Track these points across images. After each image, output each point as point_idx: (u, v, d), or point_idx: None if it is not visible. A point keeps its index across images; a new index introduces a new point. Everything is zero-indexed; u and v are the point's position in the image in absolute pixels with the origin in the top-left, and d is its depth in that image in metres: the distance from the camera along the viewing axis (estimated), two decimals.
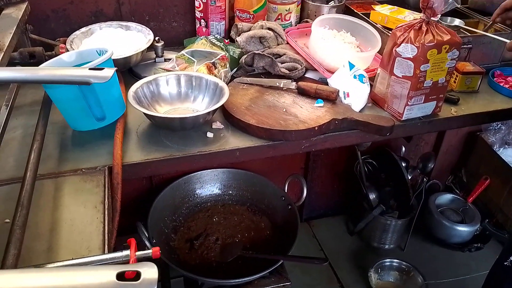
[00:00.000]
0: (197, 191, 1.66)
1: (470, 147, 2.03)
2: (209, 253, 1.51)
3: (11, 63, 1.02)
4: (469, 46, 1.26)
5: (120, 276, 0.42)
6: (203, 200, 1.67)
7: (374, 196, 1.76)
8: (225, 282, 1.38)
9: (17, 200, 0.67)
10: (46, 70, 0.64)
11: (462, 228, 1.88)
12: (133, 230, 1.33)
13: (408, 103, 1.05)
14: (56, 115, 0.98)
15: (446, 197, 2.02)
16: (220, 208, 1.67)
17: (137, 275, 0.43)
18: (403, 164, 1.78)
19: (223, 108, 1.06)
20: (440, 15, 1.00)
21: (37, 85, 1.08)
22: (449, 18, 1.38)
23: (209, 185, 1.68)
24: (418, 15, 1.25)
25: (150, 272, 0.43)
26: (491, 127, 1.95)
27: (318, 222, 2.05)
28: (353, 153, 1.80)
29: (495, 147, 1.93)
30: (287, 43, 1.28)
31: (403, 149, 1.91)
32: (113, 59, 0.95)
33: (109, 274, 0.42)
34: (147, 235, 1.36)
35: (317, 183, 1.94)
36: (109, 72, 0.60)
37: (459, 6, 1.00)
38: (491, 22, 1.26)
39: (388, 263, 1.76)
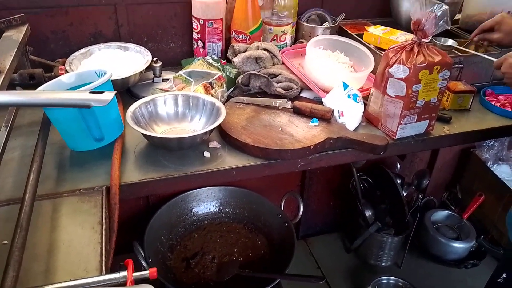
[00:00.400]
0: (193, 209, 1.67)
1: (464, 163, 2.05)
2: (206, 272, 1.51)
3: (11, 84, 1.04)
4: (460, 65, 1.30)
5: None
6: (199, 218, 1.67)
7: (370, 213, 1.77)
8: None
9: (16, 221, 0.68)
10: (47, 94, 0.65)
11: (458, 245, 1.88)
12: (130, 249, 1.33)
13: (401, 122, 1.07)
14: (54, 135, 0.99)
15: (442, 214, 2.03)
16: (217, 226, 1.67)
17: None
18: (398, 181, 1.80)
19: (220, 128, 1.07)
20: (431, 37, 1.03)
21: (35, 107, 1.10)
22: (442, 38, 1.41)
23: (205, 203, 1.68)
24: (410, 36, 1.29)
25: None
26: (484, 144, 1.98)
27: (315, 239, 2.05)
28: (348, 170, 1.82)
29: (488, 164, 1.96)
30: (283, 63, 1.31)
31: (398, 166, 1.93)
32: (111, 80, 0.96)
33: None
34: (143, 255, 1.36)
35: (313, 200, 1.95)
36: (109, 95, 0.62)
37: (449, 28, 1.03)
38: (469, 41, 1.31)
39: (385, 281, 1.76)
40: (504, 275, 0.99)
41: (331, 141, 1.05)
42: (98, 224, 0.81)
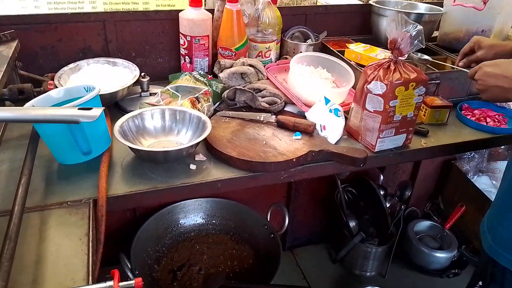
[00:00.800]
0: (180, 221, 1.69)
1: (445, 175, 2.11)
2: (192, 283, 1.52)
3: (1, 99, 1.06)
4: (437, 81, 1.35)
5: None
6: (186, 230, 1.69)
7: (354, 224, 1.81)
8: None
9: (5, 233, 0.70)
10: (37, 110, 0.68)
11: (440, 255, 1.93)
12: (116, 261, 1.34)
13: (380, 135, 1.11)
14: (42, 148, 1.01)
15: (424, 224, 2.08)
16: (204, 238, 1.69)
17: None
18: (381, 192, 1.84)
19: (205, 141, 1.10)
20: (406, 55, 1.08)
21: None
22: (419, 53, 1.47)
23: (192, 214, 1.70)
24: (389, 53, 1.34)
25: None
26: (465, 156, 2.04)
27: (301, 250, 2.07)
28: (333, 182, 1.86)
29: (469, 175, 2.01)
30: (267, 78, 1.35)
31: (381, 177, 1.98)
32: (100, 94, 0.99)
33: None
34: (129, 267, 1.37)
35: (299, 211, 1.99)
36: (97, 111, 0.65)
37: (423, 47, 1.08)
38: (455, 68, 1.34)
39: None
40: (480, 283, 1.03)
41: (313, 154, 1.09)
42: (85, 236, 0.83)
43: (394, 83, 1.05)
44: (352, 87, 1.29)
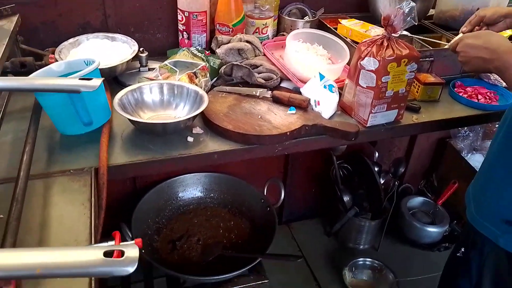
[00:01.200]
0: (179, 194, 1.74)
1: (440, 153, 2.15)
2: (191, 253, 1.58)
3: (3, 72, 1.09)
4: (431, 59, 1.38)
5: (107, 254, 0.50)
6: (185, 203, 1.74)
7: (348, 199, 1.86)
8: (206, 279, 1.45)
9: (11, 196, 0.74)
10: (41, 80, 0.71)
11: (432, 229, 1.98)
12: (118, 229, 1.40)
13: (372, 111, 1.15)
14: (45, 120, 1.04)
15: (418, 200, 2.13)
16: (202, 211, 1.74)
17: (121, 254, 0.51)
18: (376, 169, 1.89)
19: (202, 115, 1.14)
20: (400, 32, 1.10)
21: (27, 93, 1.15)
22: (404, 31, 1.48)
23: (191, 188, 1.75)
24: (380, 30, 1.36)
25: (132, 251, 0.51)
26: (459, 134, 2.07)
27: (297, 224, 2.13)
28: (329, 158, 1.90)
29: (463, 153, 2.05)
30: (264, 54, 1.38)
31: (376, 154, 2.02)
32: (99, 68, 1.02)
33: (97, 252, 0.49)
34: (130, 236, 1.43)
35: (295, 187, 2.04)
36: (97, 82, 0.68)
37: (416, 24, 1.10)
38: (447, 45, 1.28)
39: (361, 262, 1.86)
40: (463, 249, 1.08)
41: (307, 128, 1.13)
42: (88, 201, 0.87)
43: (387, 59, 1.08)
44: (347, 63, 1.31)
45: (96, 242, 0.80)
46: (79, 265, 0.48)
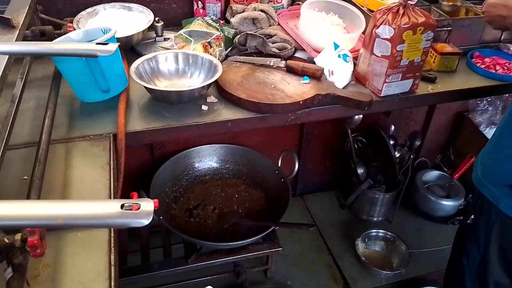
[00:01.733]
0: (196, 165, 1.78)
1: (458, 127, 2.12)
2: (207, 220, 1.63)
3: (24, 40, 1.12)
4: (449, 28, 1.35)
5: (124, 207, 0.53)
6: (201, 173, 1.78)
7: (362, 171, 1.87)
8: (221, 245, 1.50)
9: (34, 158, 0.78)
10: (60, 45, 0.74)
11: (447, 203, 1.98)
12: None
13: (386, 80, 1.14)
14: (65, 88, 1.08)
15: (433, 174, 2.12)
16: (218, 181, 1.78)
17: (137, 208, 0.54)
18: (391, 142, 1.88)
19: (217, 84, 1.16)
20: None
21: (47, 61, 1.19)
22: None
23: (207, 159, 1.79)
24: None
25: (147, 205, 0.54)
26: (478, 108, 2.04)
27: (311, 196, 2.16)
28: (344, 131, 1.90)
29: (481, 127, 2.02)
30: (279, 24, 1.37)
31: (392, 127, 2.01)
32: (116, 38, 1.04)
33: (115, 205, 0.53)
34: None
35: (310, 159, 2.05)
36: (113, 46, 0.70)
37: None
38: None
39: (374, 233, 1.88)
40: (472, 216, 1.09)
41: (320, 97, 1.13)
42: (107, 164, 0.91)
43: (402, 27, 1.07)
44: (362, 33, 1.30)
45: None
46: (98, 216, 0.51)
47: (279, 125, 1.14)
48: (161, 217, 1.48)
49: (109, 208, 0.53)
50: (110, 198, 0.83)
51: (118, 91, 1.06)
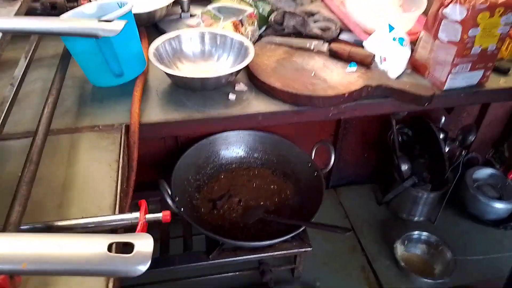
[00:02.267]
0: (221, 152, 1.64)
1: None
2: (231, 214, 1.51)
3: (33, 13, 1.00)
4: None
5: (112, 248, 0.40)
6: (227, 161, 1.65)
7: (406, 167, 1.68)
8: (246, 245, 1.38)
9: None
10: (53, 21, 0.60)
11: (499, 205, 1.77)
12: (156, 187, 1.34)
13: (452, 71, 0.95)
14: (77, 68, 0.96)
15: (485, 172, 1.90)
16: (245, 171, 1.65)
17: (131, 248, 0.40)
18: (441, 136, 1.68)
19: (247, 69, 1.00)
20: None
21: (59, 38, 1.06)
22: None
23: (234, 146, 1.65)
24: None
25: (144, 244, 0.41)
26: None
27: (345, 189, 2.00)
28: (387, 121, 1.71)
29: None
30: (322, 1, 1.19)
31: (443, 119, 1.80)
32: (136, 14, 0.91)
33: (100, 244, 0.39)
34: (169, 193, 1.36)
35: (347, 150, 1.88)
36: (119, 25, 0.56)
37: None
38: None
39: (416, 236, 1.71)
40: None
41: (369, 89, 0.96)
42: (115, 162, 0.79)
43: (477, 7, 0.87)
44: (423, 12, 1.09)
45: (121, 210, 0.71)
46: (76, 261, 0.38)
47: (318, 120, 0.98)
48: (182, 209, 1.37)
49: (92, 248, 0.39)
50: (115, 204, 0.71)
51: (133, 75, 0.93)
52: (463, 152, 1.73)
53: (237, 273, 1.57)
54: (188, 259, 1.46)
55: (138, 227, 0.63)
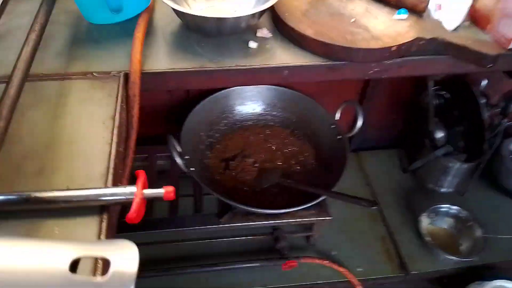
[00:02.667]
0: (237, 107, 1.49)
1: None
2: (245, 176, 1.39)
3: None
4: None
5: (77, 268, 0.26)
6: (242, 118, 1.50)
7: (440, 135, 1.52)
8: (260, 211, 1.27)
9: None
10: None
11: None
12: (164, 142, 1.21)
13: None
14: (72, 1, 0.80)
15: None
16: (261, 129, 1.51)
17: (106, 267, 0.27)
18: (482, 101, 1.50)
19: (272, 12, 0.84)
20: None
21: None
22: None
23: (250, 102, 1.50)
24: None
25: (125, 260, 0.27)
26: None
27: (367, 154, 1.85)
28: (422, 81, 1.53)
29: None
30: None
31: (485, 82, 1.60)
32: None
33: (60, 261, 0.26)
34: (178, 151, 1.24)
35: (373, 112, 1.70)
36: None
37: None
38: None
39: (445, 209, 1.58)
40: None
41: (422, 42, 0.79)
42: (110, 119, 0.65)
43: None
44: None
45: (114, 181, 0.58)
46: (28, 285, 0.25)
47: (355, 78, 0.82)
48: (193, 169, 1.25)
49: (48, 266, 0.26)
50: (107, 173, 0.58)
51: (135, 11, 0.77)
52: (503, 121, 1.56)
53: (249, 237, 1.48)
54: (198, 222, 1.36)
55: (133, 207, 0.50)
